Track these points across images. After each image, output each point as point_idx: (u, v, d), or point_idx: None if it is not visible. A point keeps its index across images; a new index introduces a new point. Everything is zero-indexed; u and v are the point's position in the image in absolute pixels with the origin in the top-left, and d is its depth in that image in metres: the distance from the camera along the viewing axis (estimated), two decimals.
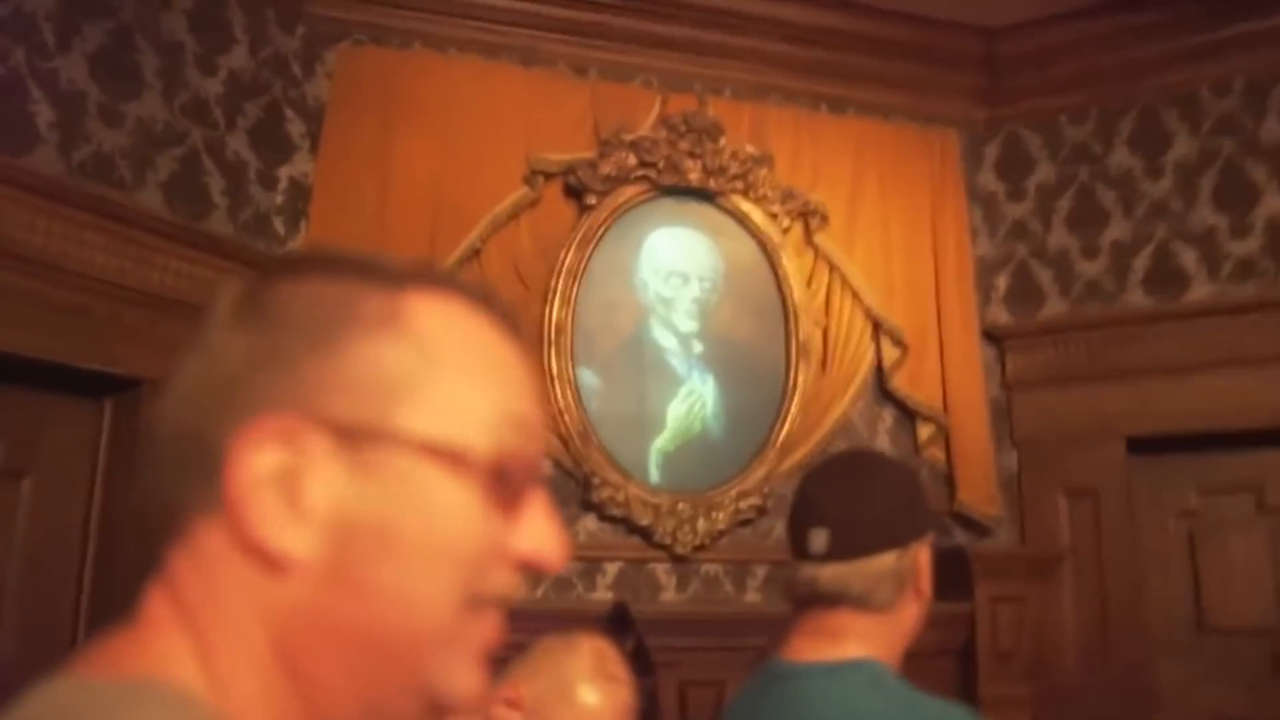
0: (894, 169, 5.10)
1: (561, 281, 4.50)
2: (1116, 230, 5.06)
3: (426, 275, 0.71)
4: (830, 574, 1.53)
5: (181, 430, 0.66)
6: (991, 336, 5.17)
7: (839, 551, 1.53)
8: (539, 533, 0.68)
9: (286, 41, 4.32)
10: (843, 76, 5.15)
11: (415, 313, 0.68)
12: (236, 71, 4.11)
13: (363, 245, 3.63)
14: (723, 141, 4.80)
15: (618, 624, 3.52)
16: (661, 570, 4.52)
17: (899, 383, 4.91)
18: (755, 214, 4.82)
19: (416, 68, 4.50)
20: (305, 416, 0.64)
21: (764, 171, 4.83)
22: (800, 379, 4.76)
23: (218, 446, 0.63)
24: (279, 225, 4.22)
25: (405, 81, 4.43)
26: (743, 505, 4.59)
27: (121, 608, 0.66)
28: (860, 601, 1.53)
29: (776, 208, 4.83)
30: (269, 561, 0.63)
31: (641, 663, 3.18)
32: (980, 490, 4.86)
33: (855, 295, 4.91)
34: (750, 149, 4.84)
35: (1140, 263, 4.99)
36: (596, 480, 4.41)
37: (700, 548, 4.52)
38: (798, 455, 4.71)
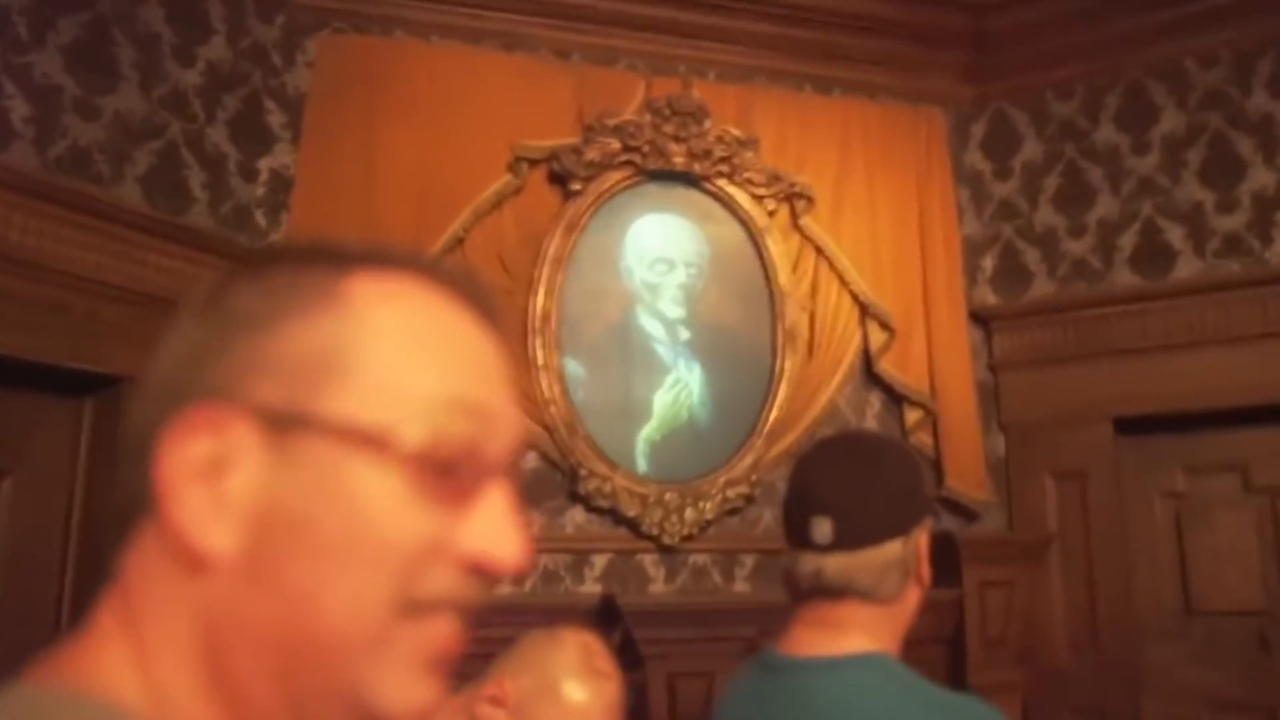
0: (880, 149, 5.06)
1: (546, 269, 4.47)
2: (1103, 208, 5.05)
3: (382, 256, 0.67)
4: (836, 565, 1.47)
5: (135, 429, 0.63)
6: (978, 318, 5.16)
7: (844, 541, 1.47)
8: (490, 530, 0.62)
9: (266, 31, 4.27)
10: (828, 56, 5.11)
11: (356, 293, 0.64)
12: (215, 63, 4.06)
13: (346, 237, 3.60)
14: (708, 124, 4.76)
15: (605, 617, 3.51)
16: (649, 561, 4.51)
17: (886, 366, 4.90)
18: (741, 197, 4.79)
19: (398, 56, 4.45)
20: (234, 404, 0.61)
21: (749, 154, 4.80)
22: (787, 364, 4.74)
23: (154, 441, 0.61)
24: (260, 218, 4.18)
25: (387, 70, 4.38)
26: (730, 494, 4.58)
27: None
28: (867, 593, 1.48)
29: (762, 191, 4.80)
30: (193, 559, 0.60)
31: (629, 656, 3.17)
32: (968, 475, 4.85)
33: (842, 279, 4.89)
34: (735, 132, 4.80)
35: (1127, 240, 4.97)
36: (583, 471, 4.39)
37: (688, 538, 4.51)
38: (785, 442, 4.70)
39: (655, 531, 4.45)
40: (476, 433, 0.63)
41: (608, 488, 4.41)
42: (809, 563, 1.49)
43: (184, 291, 0.69)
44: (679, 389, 4.63)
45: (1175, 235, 4.87)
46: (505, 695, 1.71)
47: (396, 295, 0.65)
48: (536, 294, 4.44)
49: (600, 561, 4.44)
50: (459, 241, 4.35)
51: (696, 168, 4.72)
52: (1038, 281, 5.14)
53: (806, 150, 4.95)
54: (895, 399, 4.95)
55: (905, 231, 5.03)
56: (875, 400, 4.97)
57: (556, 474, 4.43)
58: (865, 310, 4.91)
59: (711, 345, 4.72)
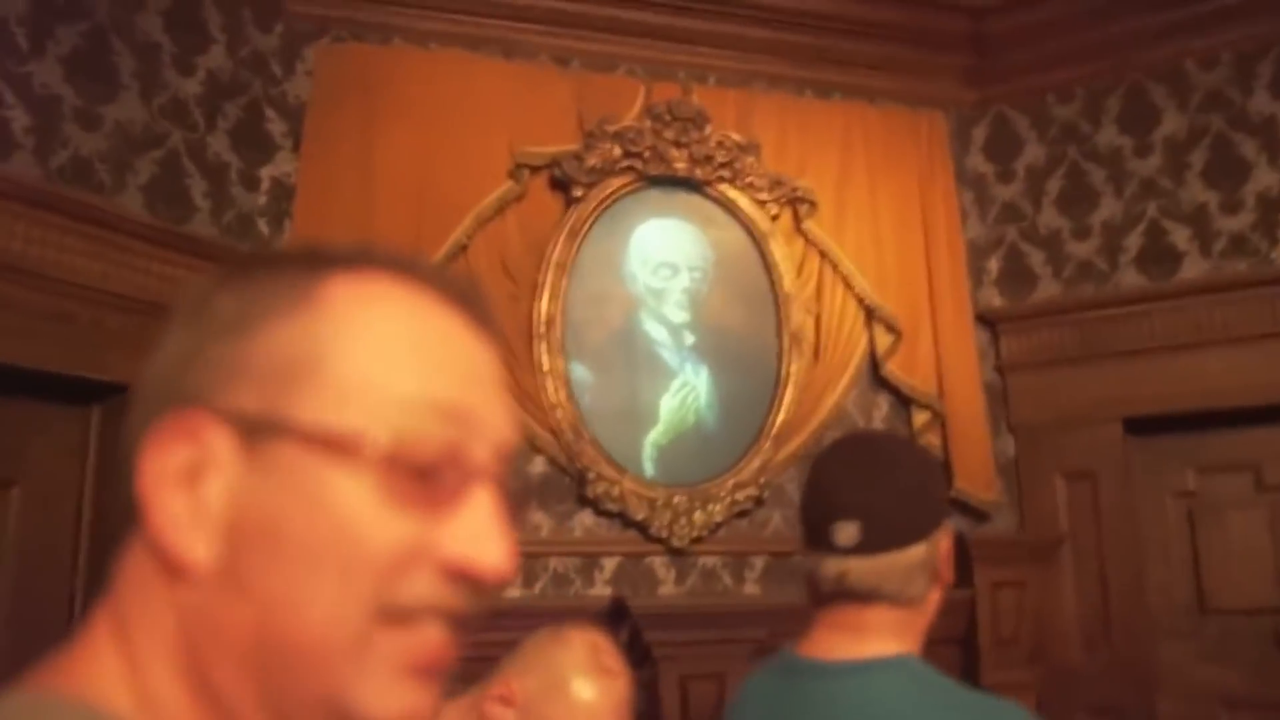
0: (882, 153, 5.06)
1: (550, 275, 4.46)
2: (1107, 210, 5.04)
3: (366, 258, 0.66)
4: (861, 569, 1.45)
5: (126, 438, 0.64)
6: (985, 320, 5.14)
7: (871, 545, 1.45)
8: (471, 535, 0.61)
9: (265, 40, 4.27)
10: (828, 60, 5.11)
11: (333, 296, 0.63)
12: (215, 71, 4.06)
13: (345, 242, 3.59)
14: (708, 130, 4.75)
15: (612, 616, 3.49)
16: (659, 564, 4.49)
17: (893, 369, 4.88)
18: (743, 202, 4.78)
19: (397, 63, 4.45)
20: (211, 411, 0.60)
21: (751, 159, 4.79)
22: (793, 368, 4.73)
23: (138, 449, 0.61)
24: (263, 226, 4.17)
25: (386, 77, 4.38)
26: (739, 497, 4.55)
27: None
28: (894, 597, 1.46)
29: (765, 195, 4.80)
30: (173, 567, 0.60)
31: (637, 654, 3.15)
32: (977, 476, 4.82)
33: (846, 282, 4.87)
34: (736, 137, 4.80)
35: (1132, 242, 4.96)
36: (591, 475, 4.37)
37: (697, 540, 4.48)
38: (793, 445, 4.69)
39: (664, 534, 4.43)
40: (457, 436, 0.62)
41: (616, 491, 4.39)
42: (832, 566, 1.47)
43: None
44: (685, 393, 4.62)
45: (1180, 236, 4.87)
46: (513, 694, 1.69)
47: (374, 297, 0.64)
48: (541, 299, 4.43)
49: (610, 564, 4.42)
50: (462, 248, 4.34)
51: (698, 173, 4.71)
52: (1043, 283, 5.13)
53: (808, 154, 4.95)
54: (903, 401, 4.93)
55: (909, 235, 5.02)
56: (883, 402, 4.95)
57: (564, 478, 4.41)
58: (870, 313, 4.89)
59: (717, 349, 4.70)
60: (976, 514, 4.86)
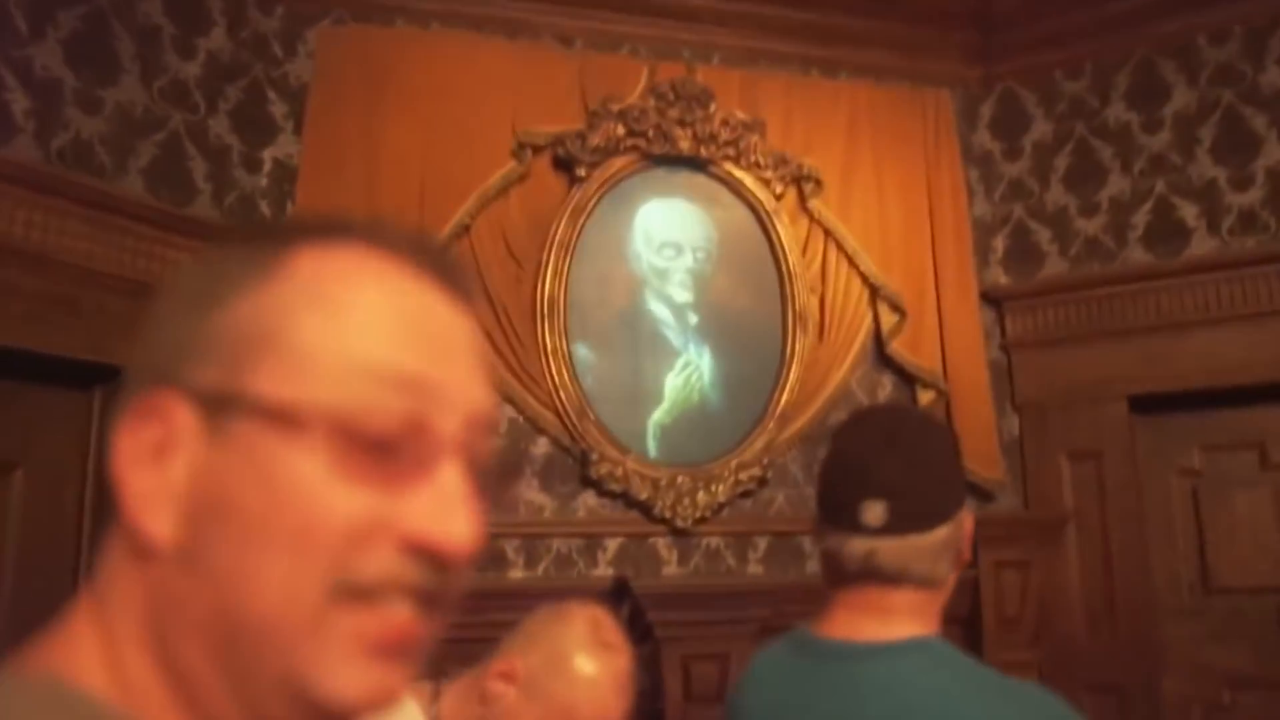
0: (888, 131, 5.03)
1: (553, 255, 4.45)
2: (1115, 186, 5.00)
3: (335, 229, 0.64)
4: (890, 549, 1.41)
5: (113, 419, 0.63)
6: (990, 298, 5.12)
7: (899, 526, 1.41)
8: (431, 510, 0.59)
9: (265, 22, 4.26)
10: (833, 38, 5.08)
11: (294, 268, 0.62)
12: (215, 53, 4.05)
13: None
14: (713, 108, 4.73)
15: (614, 593, 3.49)
16: (662, 544, 4.49)
17: (898, 348, 4.87)
18: (748, 181, 4.76)
19: (399, 44, 4.43)
20: (176, 387, 0.60)
21: (755, 138, 4.77)
22: (798, 347, 4.72)
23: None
24: (265, 208, 4.18)
25: (388, 59, 4.37)
26: (743, 477, 4.55)
27: None
28: (920, 579, 1.43)
29: (769, 174, 4.78)
30: (140, 546, 0.59)
31: (638, 630, 3.15)
32: (982, 455, 4.80)
33: (851, 261, 4.86)
34: (741, 115, 4.78)
35: (1140, 219, 4.93)
36: (594, 456, 4.37)
37: (701, 521, 4.48)
38: (797, 425, 4.69)
39: (668, 515, 4.43)
40: (419, 408, 0.60)
41: (619, 472, 4.39)
42: (858, 546, 1.43)
43: None
44: (690, 372, 4.61)
45: (1189, 213, 4.83)
46: (515, 671, 1.69)
47: (338, 268, 0.62)
48: (544, 280, 4.42)
49: (613, 545, 4.42)
50: (465, 229, 4.34)
51: (702, 151, 4.69)
52: (1050, 261, 5.10)
53: (813, 133, 4.92)
54: (907, 380, 4.92)
55: (914, 213, 5.00)
56: (887, 381, 4.94)
57: (568, 459, 4.42)
58: (875, 292, 4.87)
59: (721, 329, 4.70)
60: (981, 493, 4.85)
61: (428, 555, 0.59)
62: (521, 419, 4.37)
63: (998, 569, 4.57)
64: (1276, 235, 4.63)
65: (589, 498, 4.43)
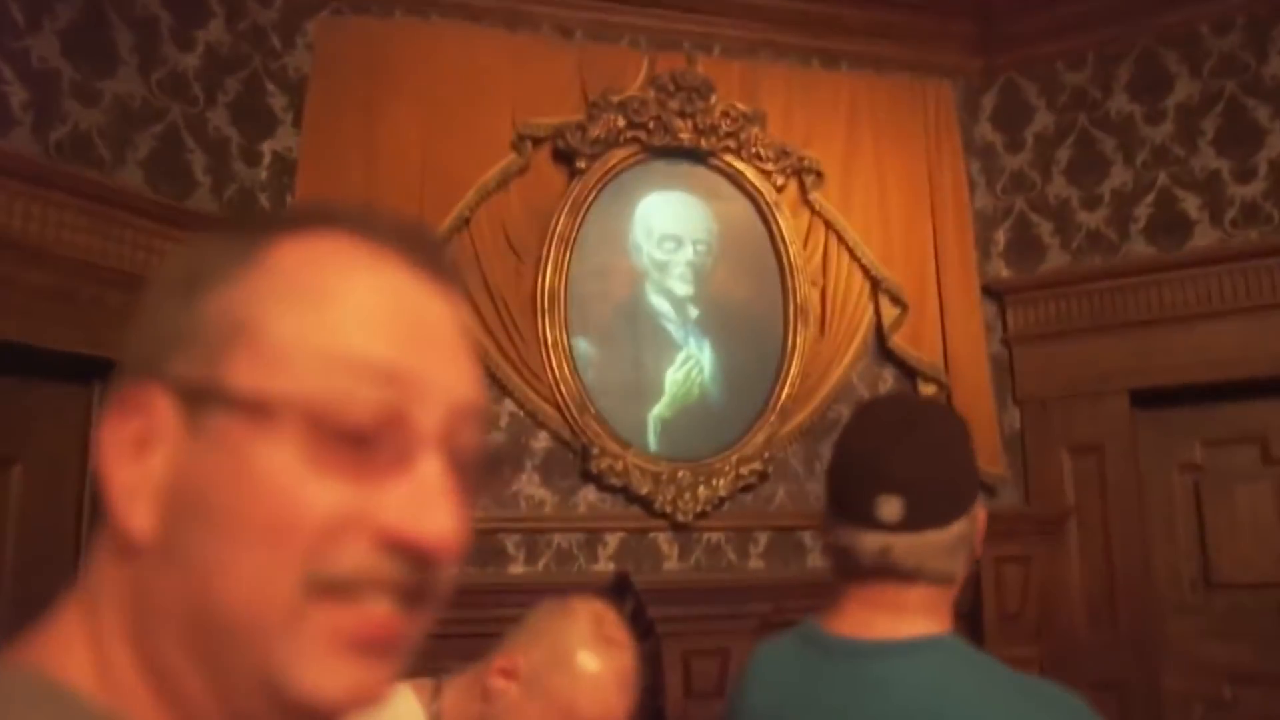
0: (889, 122, 5.01)
1: (553, 249, 4.43)
2: (1117, 178, 4.98)
3: (320, 218, 0.63)
4: (906, 546, 1.38)
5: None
6: (992, 291, 5.10)
7: (915, 522, 1.38)
8: (408, 503, 0.58)
9: (264, 13, 4.24)
10: (834, 29, 5.05)
11: (276, 258, 0.61)
12: (214, 45, 4.03)
13: None
14: (713, 100, 4.71)
15: (616, 589, 3.48)
16: (663, 539, 4.48)
17: (899, 341, 4.86)
18: (749, 173, 4.74)
19: (398, 35, 4.41)
20: (159, 379, 0.60)
21: (756, 129, 4.75)
22: (799, 341, 4.71)
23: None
24: (265, 201, 4.15)
25: (388, 50, 4.35)
26: (743, 471, 4.54)
27: None
28: (936, 576, 1.40)
29: (770, 166, 4.76)
30: (122, 540, 0.59)
31: (640, 626, 3.14)
32: (983, 449, 4.76)
33: (852, 253, 4.84)
34: (742, 107, 4.76)
35: (1142, 211, 4.91)
36: (595, 450, 4.36)
37: (701, 515, 4.48)
38: (798, 419, 4.68)
39: (668, 509, 4.42)
40: (397, 399, 0.59)
41: (620, 466, 4.38)
42: (873, 542, 1.40)
43: None
44: (690, 366, 4.60)
45: (1191, 204, 4.81)
46: (516, 667, 1.68)
47: (318, 257, 0.61)
48: (544, 273, 4.41)
49: (613, 540, 4.42)
50: (465, 222, 4.32)
51: (703, 143, 4.67)
52: (1052, 254, 5.09)
53: (814, 125, 4.90)
54: (908, 374, 4.91)
55: (916, 205, 4.98)
56: (888, 375, 4.93)
57: (568, 453, 4.41)
58: (877, 285, 4.86)
59: (722, 322, 4.68)
60: (982, 488, 4.82)
61: (405, 550, 0.58)
62: (522, 413, 4.36)
63: (999, 564, 4.56)
64: (1279, 227, 4.61)
65: (589, 492, 4.42)
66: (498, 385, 4.31)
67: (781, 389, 4.66)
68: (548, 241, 4.44)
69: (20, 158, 3.34)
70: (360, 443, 0.57)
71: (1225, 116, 4.78)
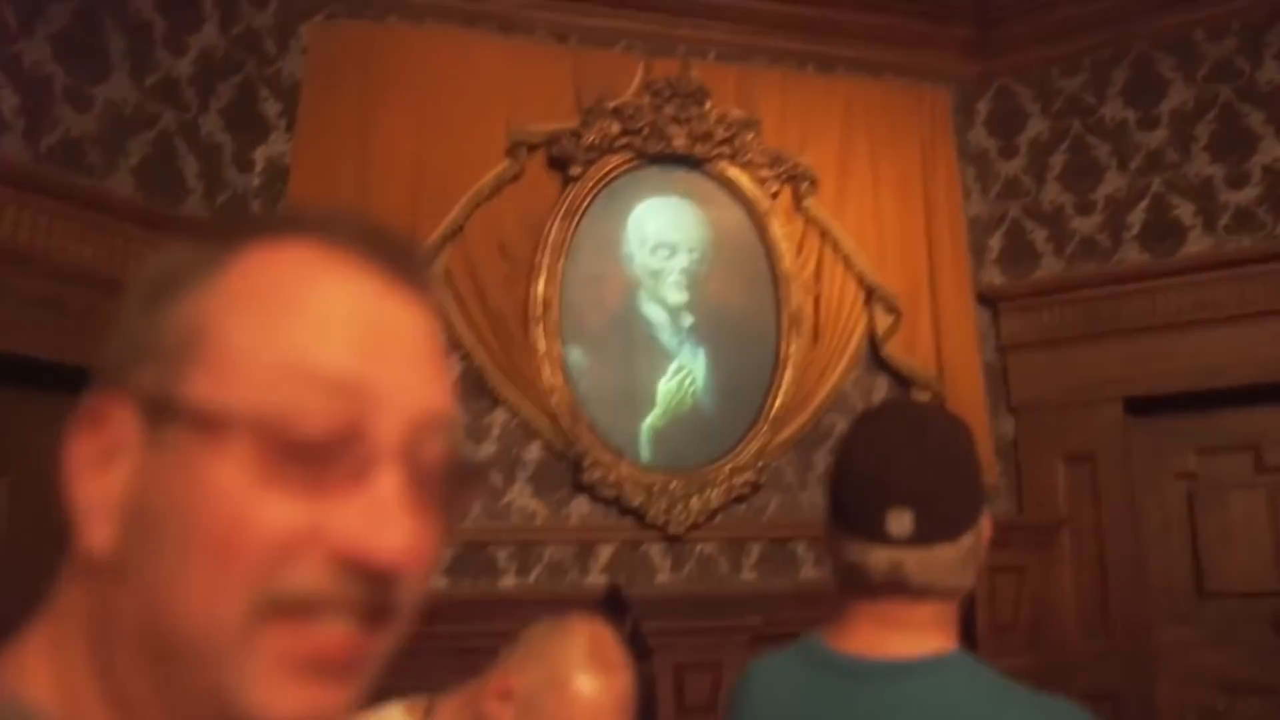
0: (884, 128, 5.00)
1: (547, 256, 4.42)
2: (1111, 184, 4.98)
3: (289, 225, 0.62)
4: (918, 561, 1.34)
5: None
6: (986, 299, 5.10)
7: (925, 536, 1.33)
8: (362, 519, 0.56)
9: (258, 18, 4.21)
10: (829, 34, 5.04)
11: (238, 267, 0.59)
12: (207, 50, 4.01)
13: None
14: (708, 105, 4.70)
15: (613, 606, 3.46)
16: (656, 551, 4.47)
17: (893, 349, 4.85)
18: (743, 180, 4.73)
19: (393, 41, 4.39)
20: (123, 390, 0.58)
21: (751, 135, 4.74)
22: (792, 349, 4.69)
23: None
24: (258, 208, 4.14)
25: (382, 56, 4.33)
26: (737, 481, 4.53)
27: None
28: (947, 591, 1.37)
29: (765, 172, 4.75)
30: (84, 557, 0.58)
31: (637, 647, 3.12)
32: None
33: (846, 261, 4.83)
34: (737, 112, 4.74)
35: (1136, 217, 4.91)
36: (587, 461, 4.34)
37: (694, 527, 4.46)
38: (791, 429, 4.66)
39: (661, 521, 4.40)
40: (353, 411, 0.57)
41: (612, 477, 4.36)
42: (883, 557, 1.35)
43: None
44: (683, 375, 4.58)
45: (1185, 211, 4.81)
46: (512, 689, 1.65)
47: (277, 266, 0.60)
48: (538, 281, 4.39)
49: (606, 552, 4.40)
50: (459, 229, 4.30)
51: (697, 149, 4.66)
52: (1045, 261, 5.08)
53: (809, 130, 4.89)
54: (902, 382, 4.90)
55: (910, 212, 4.97)
56: (882, 384, 4.92)
57: (561, 464, 4.39)
58: (870, 293, 4.85)
59: (715, 331, 4.67)
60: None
61: (358, 568, 0.56)
62: (514, 423, 4.33)
63: (992, 574, 4.53)
64: (1273, 234, 4.61)
65: (582, 504, 4.39)
66: (489, 395, 4.29)
67: (775, 398, 4.65)
68: (541, 249, 4.42)
69: (10, 163, 3.32)
70: (314, 457, 0.56)
71: (1219, 122, 4.78)
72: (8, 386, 3.36)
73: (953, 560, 1.36)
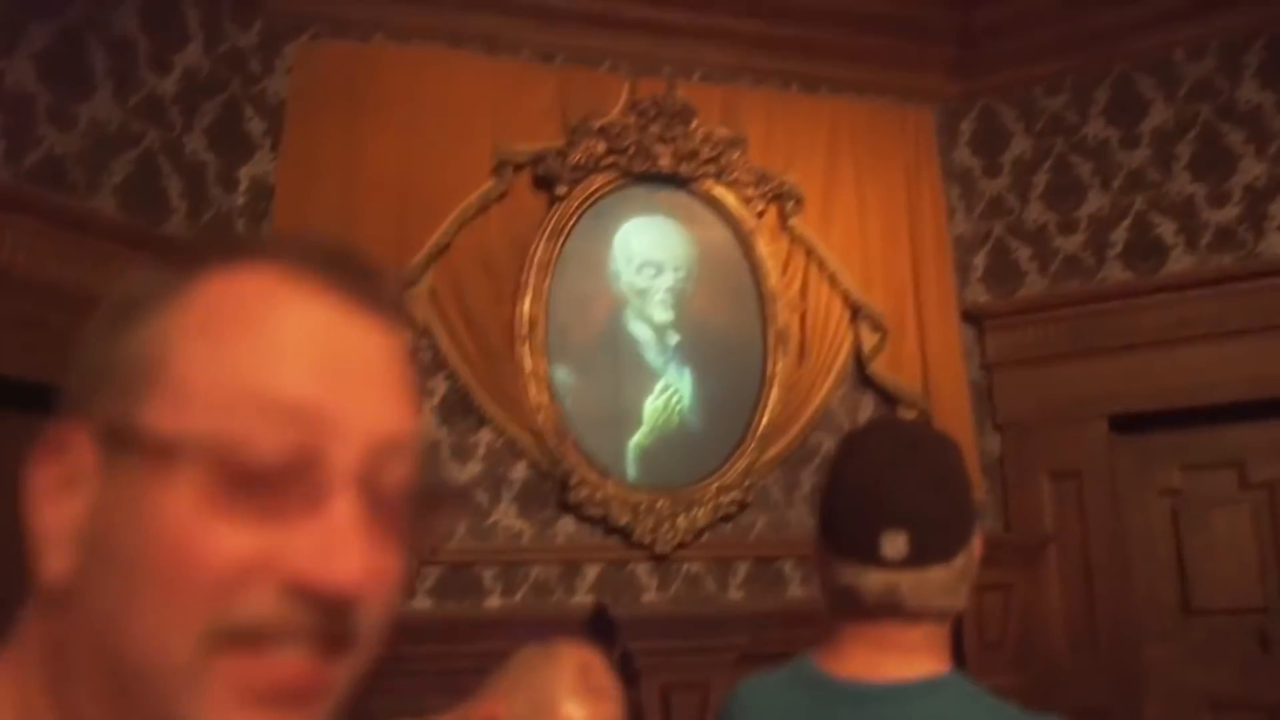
0: (868, 148, 5.02)
1: (533, 275, 4.41)
2: (1094, 203, 5.01)
3: (249, 249, 0.61)
4: (912, 584, 1.33)
5: None
6: (971, 317, 5.12)
7: (921, 557, 1.32)
8: (314, 547, 0.55)
9: (243, 37, 4.20)
10: (814, 54, 5.06)
11: (195, 293, 0.59)
12: (192, 69, 3.99)
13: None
14: (694, 125, 4.71)
15: (601, 629, 3.44)
16: (642, 571, 4.44)
17: (879, 367, 4.85)
18: (729, 199, 4.74)
19: (378, 60, 4.38)
20: (84, 418, 0.58)
21: (736, 154, 4.75)
22: (779, 367, 4.69)
23: None
24: (242, 227, 4.11)
25: (367, 75, 4.32)
26: (723, 500, 4.52)
27: None
28: (941, 612, 1.36)
29: (750, 191, 4.76)
30: (42, 587, 0.57)
31: (626, 671, 3.10)
32: None
33: (832, 279, 4.84)
34: (722, 132, 4.75)
35: (1119, 236, 4.94)
36: (574, 480, 4.32)
37: (681, 546, 4.44)
38: (778, 447, 4.66)
39: (648, 540, 4.38)
40: (308, 438, 0.56)
41: (598, 496, 4.34)
42: (878, 580, 1.34)
43: None
44: (669, 394, 4.57)
45: (1167, 229, 4.84)
46: (498, 717, 1.64)
47: (237, 291, 0.59)
48: (523, 300, 4.38)
49: (592, 572, 4.37)
50: (444, 249, 4.29)
51: (683, 169, 4.66)
52: (1029, 279, 5.10)
53: (794, 149, 4.90)
54: (888, 400, 4.90)
55: (895, 231, 4.98)
56: (868, 402, 4.92)
57: (547, 483, 4.37)
58: (856, 311, 4.85)
59: (701, 349, 4.66)
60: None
61: (312, 596, 0.55)
62: (500, 442, 4.32)
63: (979, 592, 4.50)
64: (1254, 252, 4.64)
65: (568, 523, 4.37)
66: (475, 414, 4.28)
67: (761, 416, 4.64)
68: (527, 268, 4.41)
69: None
70: (267, 484, 0.55)
71: (1199, 142, 4.82)
72: None
73: (946, 581, 1.35)
